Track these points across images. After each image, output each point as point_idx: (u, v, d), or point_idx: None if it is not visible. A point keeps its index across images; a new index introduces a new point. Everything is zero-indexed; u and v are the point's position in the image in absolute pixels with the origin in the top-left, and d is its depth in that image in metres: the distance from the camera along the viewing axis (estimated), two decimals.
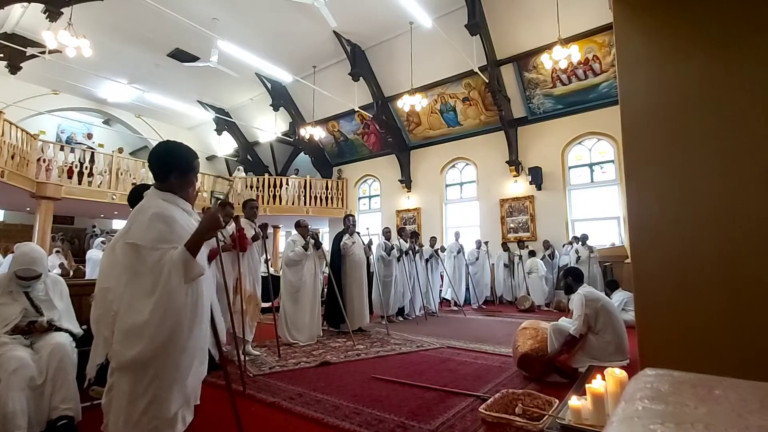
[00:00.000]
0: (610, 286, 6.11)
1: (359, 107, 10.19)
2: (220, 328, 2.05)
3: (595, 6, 7.17)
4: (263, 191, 12.18)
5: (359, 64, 9.87)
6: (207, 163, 15.27)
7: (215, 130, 13.85)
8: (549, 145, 9.34)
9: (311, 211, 12.15)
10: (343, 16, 8.33)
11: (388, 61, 9.94)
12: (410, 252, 7.04)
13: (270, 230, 11.82)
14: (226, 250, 3.81)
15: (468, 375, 3.48)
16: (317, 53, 10.17)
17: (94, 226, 13.85)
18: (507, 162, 9.66)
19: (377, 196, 12.80)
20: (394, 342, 4.89)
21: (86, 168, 9.60)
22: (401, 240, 7.03)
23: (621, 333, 3.38)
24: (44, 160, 8.81)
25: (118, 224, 13.68)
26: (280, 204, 12.15)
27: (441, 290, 8.62)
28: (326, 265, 5.40)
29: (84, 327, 2.61)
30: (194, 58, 9.97)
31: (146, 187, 1.96)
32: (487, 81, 8.87)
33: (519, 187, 9.71)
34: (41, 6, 7.11)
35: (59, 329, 2.46)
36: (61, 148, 9.63)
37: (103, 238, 8.66)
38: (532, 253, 8.82)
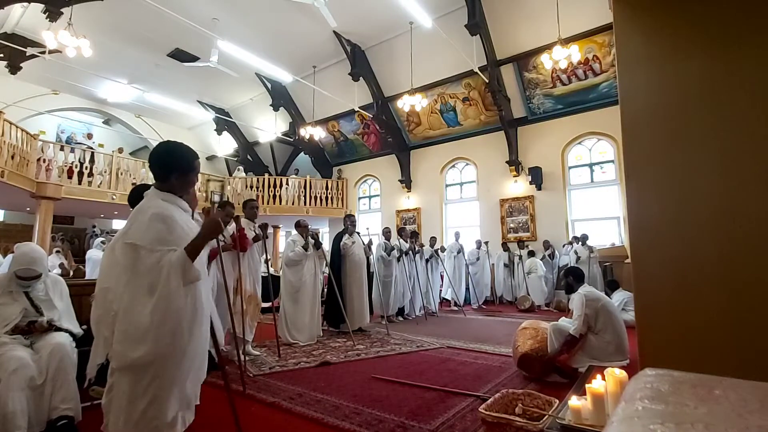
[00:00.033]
0: (611, 286, 6.12)
1: (359, 107, 10.20)
2: (218, 330, 2.06)
3: (595, 6, 7.17)
4: (263, 191, 12.18)
5: (359, 64, 9.88)
6: (207, 163, 15.26)
7: (215, 130, 13.85)
8: (549, 145, 9.34)
9: (311, 211, 12.15)
10: (343, 16, 8.33)
11: (388, 61, 9.94)
12: (410, 252, 7.04)
13: (270, 230, 11.82)
14: (227, 250, 3.81)
15: (468, 375, 3.48)
16: (317, 53, 10.17)
17: (94, 226, 13.85)
18: (507, 162, 9.66)
19: (377, 196, 12.80)
20: (394, 342, 4.89)
21: (86, 168, 9.60)
22: (401, 240, 7.03)
23: (621, 333, 3.38)
24: (44, 160, 8.82)
25: (118, 224, 13.68)
26: (280, 204, 12.15)
27: (441, 290, 8.62)
28: (326, 265, 5.40)
29: (84, 327, 2.61)
30: (194, 58, 9.97)
31: (146, 187, 1.96)
32: (487, 81, 8.87)
33: (519, 187, 9.71)
34: (41, 6, 7.11)
35: (59, 329, 2.46)
36: (61, 148, 9.64)
37: (103, 238, 8.66)
38: (531, 254, 8.82)
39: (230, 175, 14.09)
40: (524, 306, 7.88)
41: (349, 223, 5.84)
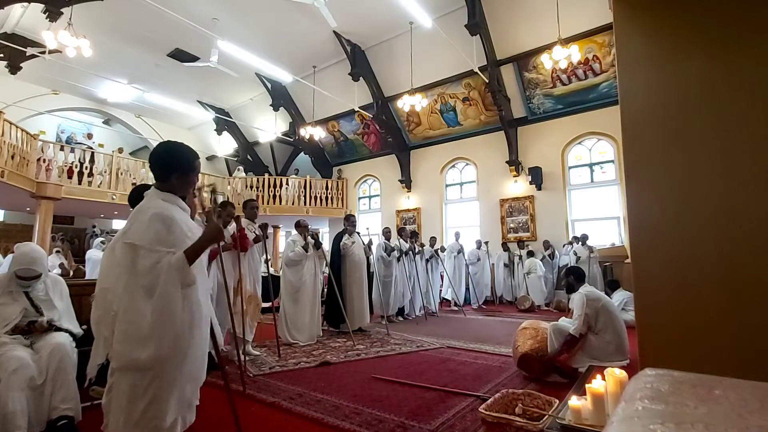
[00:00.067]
0: (611, 286, 6.11)
1: (359, 107, 10.20)
2: (217, 331, 2.06)
3: (595, 6, 7.17)
4: (263, 191, 12.18)
5: (359, 64, 9.87)
6: (207, 163, 15.26)
7: (215, 130, 13.85)
8: (549, 145, 9.34)
9: (311, 211, 12.15)
10: (343, 16, 8.33)
11: (388, 61, 9.94)
12: (410, 252, 7.04)
13: (270, 230, 11.81)
14: (227, 250, 3.81)
15: (468, 375, 3.48)
16: (317, 53, 10.17)
17: (94, 226, 13.85)
18: (507, 162, 9.66)
19: (377, 196, 12.80)
20: (394, 342, 4.89)
21: (86, 168, 9.60)
22: (401, 240, 7.03)
23: (621, 333, 3.38)
24: (44, 160, 8.82)
25: (118, 224, 13.68)
26: (280, 204, 12.15)
27: (441, 290, 8.62)
28: (326, 265, 5.40)
29: (84, 327, 2.61)
30: (194, 58, 9.97)
31: (147, 187, 1.96)
32: (487, 81, 8.87)
33: (519, 187, 9.71)
34: (41, 6, 7.11)
35: (59, 329, 2.46)
36: (61, 148, 9.63)
37: (103, 238, 8.66)
38: (530, 254, 8.82)
39: (230, 175, 14.09)
40: (524, 306, 7.88)
41: (349, 223, 5.83)
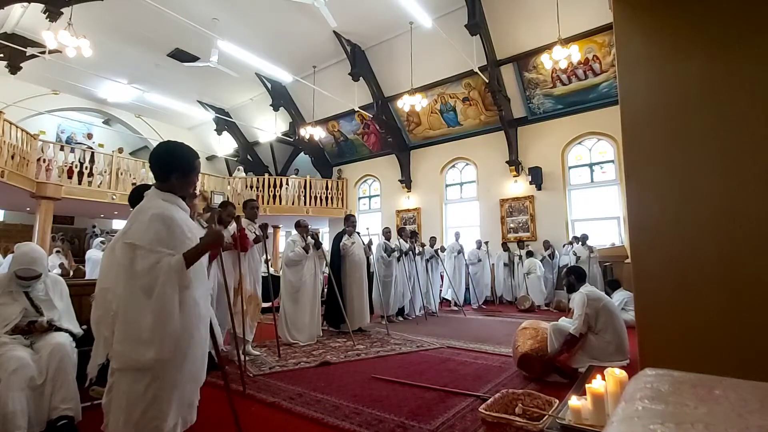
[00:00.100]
0: (612, 286, 6.11)
1: (359, 107, 10.20)
2: (217, 331, 2.07)
3: (595, 6, 7.17)
4: (263, 191, 12.18)
5: (359, 64, 9.87)
6: (207, 163, 15.26)
7: (215, 130, 13.85)
8: (549, 145, 9.34)
9: (311, 211, 12.15)
10: (343, 16, 8.33)
11: (388, 61, 9.94)
12: (410, 252, 7.04)
13: (270, 230, 11.82)
14: (227, 249, 3.81)
15: (468, 375, 3.48)
16: (317, 53, 10.17)
17: (94, 226, 13.85)
18: (507, 162, 9.66)
19: (377, 196, 12.80)
20: (394, 342, 4.89)
21: (86, 168, 9.60)
22: (401, 240, 7.03)
23: (621, 333, 3.38)
24: (44, 160, 8.82)
25: (118, 224, 13.68)
26: (280, 204, 12.15)
27: (441, 290, 8.62)
28: (326, 265, 5.40)
29: (84, 327, 2.61)
30: (194, 58, 9.97)
31: (147, 187, 1.97)
32: (487, 81, 8.87)
33: (519, 187, 9.71)
34: (41, 6, 7.11)
35: (59, 329, 2.46)
36: (61, 148, 9.64)
37: (103, 238, 8.66)
38: (529, 254, 8.81)
39: (230, 175, 14.09)
40: (524, 306, 7.88)
41: (349, 223, 5.83)
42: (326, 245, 7.19)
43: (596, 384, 1.76)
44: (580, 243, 7.91)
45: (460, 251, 8.66)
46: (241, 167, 14.01)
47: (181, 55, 10.09)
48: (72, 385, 2.31)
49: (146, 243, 1.62)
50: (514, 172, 9.66)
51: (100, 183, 9.82)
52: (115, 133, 14.25)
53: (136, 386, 1.59)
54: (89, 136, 14.36)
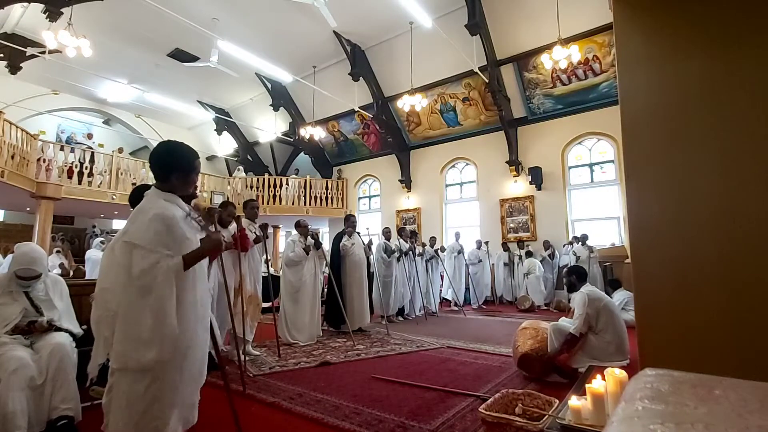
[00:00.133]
0: (612, 285, 6.11)
1: (359, 107, 10.20)
2: (216, 331, 2.07)
3: (595, 6, 7.17)
4: (263, 191, 12.18)
5: (359, 64, 9.87)
6: (207, 163, 15.26)
7: (215, 130, 13.86)
8: (549, 145, 9.34)
9: (311, 211, 12.15)
10: (343, 16, 8.33)
11: (388, 61, 9.94)
12: (410, 252, 7.04)
13: (270, 230, 11.82)
14: (227, 249, 3.81)
15: (468, 375, 3.48)
16: (317, 53, 10.17)
17: (94, 226, 13.86)
18: (507, 162, 9.66)
19: (377, 196, 12.80)
20: (394, 342, 4.89)
21: (86, 168, 9.60)
22: (401, 240, 7.03)
23: (622, 333, 3.38)
24: (44, 160, 8.82)
25: (118, 224, 13.69)
26: (280, 204, 12.15)
27: (441, 290, 8.62)
28: (326, 265, 5.39)
29: (84, 327, 2.61)
30: (194, 58, 9.97)
31: (147, 187, 1.97)
32: (487, 81, 8.87)
33: (519, 187, 9.71)
34: (41, 6, 7.11)
35: (59, 329, 2.46)
36: (61, 148, 9.64)
37: (103, 238, 8.66)
38: (528, 254, 8.81)
39: (230, 175, 14.09)
40: (524, 306, 7.88)
41: (349, 224, 5.83)
42: (326, 245, 7.19)
43: (596, 384, 1.76)
44: (580, 243, 7.91)
45: (460, 251, 8.65)
46: (241, 167, 14.01)
47: (181, 55, 10.09)
48: (72, 385, 2.31)
49: (146, 243, 1.62)
50: (514, 172, 9.66)
51: (100, 183, 9.82)
52: (115, 133, 14.25)
53: (136, 386, 1.60)
54: (89, 136, 14.37)
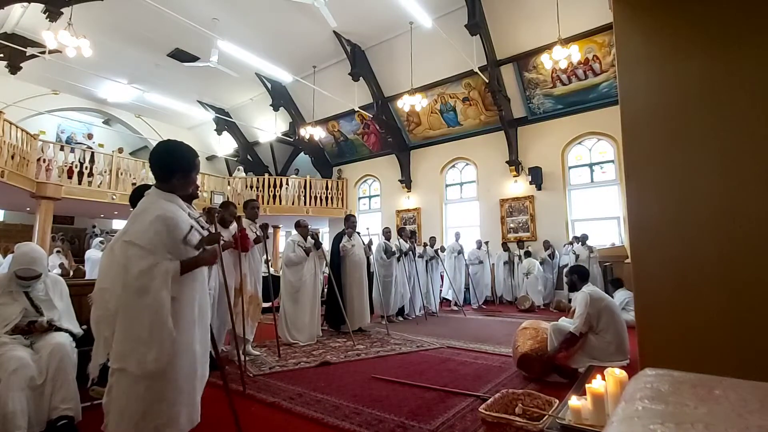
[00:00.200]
0: (614, 284, 6.10)
1: (359, 107, 10.20)
2: (216, 332, 2.08)
3: (595, 6, 7.17)
4: (263, 191, 12.18)
5: (359, 64, 9.87)
6: (207, 163, 15.27)
7: (215, 130, 13.86)
8: (549, 145, 9.34)
9: (311, 211, 12.15)
10: (343, 16, 8.33)
11: (388, 61, 9.94)
12: (410, 252, 7.04)
13: (270, 230, 11.82)
14: (227, 248, 3.81)
15: (468, 375, 3.48)
16: (317, 53, 10.17)
17: (94, 226, 13.86)
18: (507, 162, 9.66)
19: (377, 196, 12.80)
20: (394, 342, 4.89)
21: (86, 168, 9.60)
22: (401, 240, 7.02)
23: (622, 333, 3.38)
24: (44, 160, 8.82)
25: (118, 224, 13.68)
26: (280, 204, 12.15)
27: (441, 290, 8.62)
28: (326, 265, 5.39)
29: (84, 327, 2.61)
30: (194, 58, 9.97)
31: (147, 187, 1.97)
32: (487, 81, 8.87)
33: (519, 187, 9.71)
34: (41, 6, 7.11)
35: (59, 329, 2.46)
36: (61, 148, 9.64)
37: (102, 238, 8.66)
38: (527, 254, 8.81)
39: (230, 175, 14.09)
40: (524, 306, 7.88)
41: (349, 224, 5.82)
42: (326, 245, 7.20)
43: (596, 384, 1.76)
44: (580, 243, 7.91)
45: (460, 251, 8.65)
46: (241, 167, 14.01)
47: (181, 55, 10.09)
48: (72, 385, 2.31)
49: (145, 243, 1.62)
50: (514, 172, 9.65)
51: (100, 183, 9.82)
52: (115, 133, 14.25)
53: (137, 387, 1.60)
54: (89, 136, 14.37)
